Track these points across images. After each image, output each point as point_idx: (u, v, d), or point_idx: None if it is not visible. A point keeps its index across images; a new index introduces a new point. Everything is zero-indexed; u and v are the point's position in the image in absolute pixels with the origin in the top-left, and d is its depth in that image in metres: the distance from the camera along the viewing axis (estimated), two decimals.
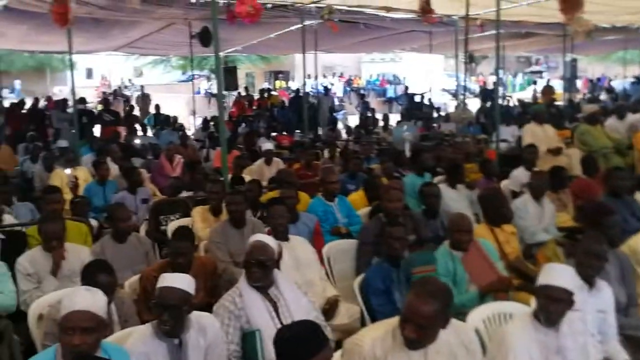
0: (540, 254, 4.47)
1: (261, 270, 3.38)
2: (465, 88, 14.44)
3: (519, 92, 24.48)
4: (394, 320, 2.71)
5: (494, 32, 8.82)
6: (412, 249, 4.45)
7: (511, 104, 17.63)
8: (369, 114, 15.58)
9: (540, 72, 25.43)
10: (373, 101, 20.82)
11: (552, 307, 2.88)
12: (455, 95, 14.50)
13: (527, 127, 7.88)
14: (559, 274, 2.91)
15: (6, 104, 13.66)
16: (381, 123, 14.16)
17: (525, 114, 12.67)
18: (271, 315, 3.34)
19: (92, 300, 2.60)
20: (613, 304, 3.50)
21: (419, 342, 2.61)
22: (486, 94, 16.95)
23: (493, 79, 24.75)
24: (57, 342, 2.64)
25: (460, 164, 6.43)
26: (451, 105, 17.07)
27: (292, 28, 12.12)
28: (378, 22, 11.79)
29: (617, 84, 22.30)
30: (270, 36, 13.35)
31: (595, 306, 3.43)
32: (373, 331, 2.78)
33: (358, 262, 4.55)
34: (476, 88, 19.49)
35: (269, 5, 9.76)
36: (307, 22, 11.20)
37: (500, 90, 11.70)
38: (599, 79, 23.80)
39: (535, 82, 22.41)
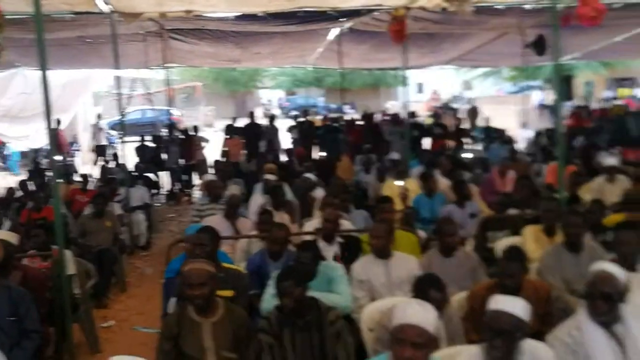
0: None
1: (606, 303, 2.98)
2: None
3: None
4: None
5: None
6: None
7: None
8: None
9: None
10: None
11: None
12: None
13: None
14: None
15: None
16: None
17: None
18: (617, 356, 2.91)
19: (424, 315, 2.56)
20: None
21: None
22: None
23: None
24: (387, 348, 2.68)
25: None
26: None
27: None
28: None
29: None
30: (615, 39, 12.07)
31: None
32: None
33: None
34: None
35: (617, 5, 8.75)
36: None
37: None
38: None
39: None
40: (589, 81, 23.80)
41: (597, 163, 8.31)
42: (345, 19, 9.23)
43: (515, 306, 2.70)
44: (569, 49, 13.13)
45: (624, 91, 21.46)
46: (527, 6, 8.82)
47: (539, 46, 9.82)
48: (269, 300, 3.94)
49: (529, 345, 2.80)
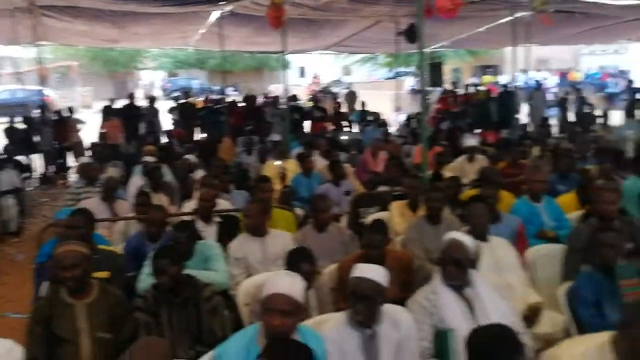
0: None
1: (457, 268, 3.31)
2: None
3: None
4: (601, 337, 2.44)
5: None
6: (629, 258, 4.01)
7: None
8: (587, 110, 14.35)
9: None
10: (592, 96, 19.13)
11: None
12: None
13: None
14: None
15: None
16: (600, 120, 12.98)
17: None
18: (466, 316, 3.24)
19: (292, 284, 2.74)
20: None
21: None
22: None
23: None
24: (260, 320, 2.84)
25: None
26: None
27: (503, 21, 11.61)
28: (599, 10, 10.76)
29: None
30: (479, 30, 12.96)
31: None
32: (575, 346, 2.53)
33: (566, 269, 4.22)
34: None
35: None
36: (518, 14, 10.65)
37: None
38: None
39: None
40: (457, 68, 25.39)
41: (461, 144, 8.96)
42: (225, 2, 9.22)
43: (375, 273, 2.94)
44: (438, 38, 13.91)
45: (488, 78, 23.11)
46: None
47: (410, 34, 10.31)
48: (145, 279, 3.98)
49: (389, 309, 3.07)
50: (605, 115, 12.75)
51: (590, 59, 25.95)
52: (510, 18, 10.82)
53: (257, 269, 4.32)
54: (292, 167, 7.70)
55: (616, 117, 14.90)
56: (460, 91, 17.29)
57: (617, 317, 3.29)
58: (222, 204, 5.68)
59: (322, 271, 4.18)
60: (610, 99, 19.89)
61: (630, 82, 18.90)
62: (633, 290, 3.46)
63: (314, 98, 17.84)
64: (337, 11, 9.88)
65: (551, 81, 23.51)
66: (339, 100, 17.23)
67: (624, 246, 3.90)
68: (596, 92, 21.18)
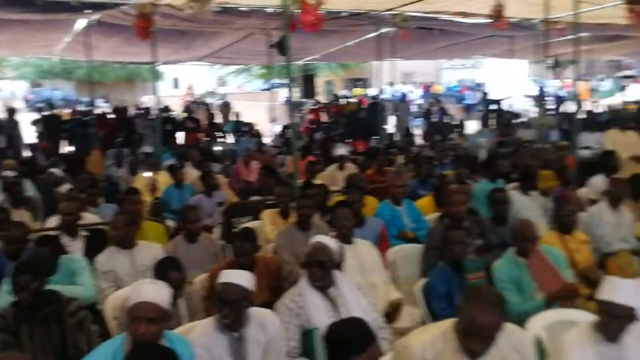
0: (612, 263, 4.32)
1: (321, 270, 3.48)
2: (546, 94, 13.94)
3: (608, 97, 23.42)
4: (445, 324, 2.71)
5: (577, 35, 8.52)
6: (479, 254, 4.42)
7: (599, 110, 16.90)
8: (446, 120, 15.41)
9: (632, 76, 24.22)
10: (452, 107, 20.53)
11: (613, 323, 2.79)
12: (538, 101, 14.05)
13: (608, 134, 7.57)
14: (620, 289, 2.79)
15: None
16: (458, 129, 13.97)
17: (613, 120, 12.15)
18: (330, 315, 3.42)
19: (157, 292, 2.77)
20: None
21: (482, 353, 2.59)
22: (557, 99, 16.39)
23: (580, 84, 23.86)
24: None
25: (534, 170, 6.26)
26: (533, 112, 16.60)
27: (369, 36, 12.18)
28: (455, 27, 11.65)
29: None
30: (348, 44, 13.48)
31: None
32: (423, 334, 2.78)
33: (423, 266, 4.55)
34: (563, 93, 18.84)
35: (344, 14, 9.88)
36: (383, 30, 11.23)
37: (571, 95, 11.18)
38: None
39: (623, 88, 21.36)
40: (329, 80, 26.21)
41: (333, 154, 9.31)
42: (91, 11, 8.93)
43: (240, 278, 3.04)
44: (310, 51, 14.31)
45: (358, 90, 24.09)
46: (269, 10, 9.46)
47: (282, 46, 10.53)
48: (3, 297, 3.80)
49: (256, 312, 3.17)
50: (462, 125, 13.73)
51: (451, 72, 27.86)
52: (375, 33, 11.38)
53: (125, 281, 4.26)
54: (163, 178, 7.61)
55: (473, 127, 16.09)
56: (334, 103, 17.84)
57: None
58: (89, 217, 5.52)
59: (193, 281, 4.22)
60: (468, 110, 21.43)
61: (485, 94, 20.46)
62: (478, 283, 3.83)
63: (188, 109, 17.65)
64: (208, 23, 9.89)
65: (416, 93, 24.95)
66: (212, 111, 17.15)
67: (472, 243, 4.30)
68: (456, 104, 22.78)
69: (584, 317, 3.22)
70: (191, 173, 7.84)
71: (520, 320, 3.34)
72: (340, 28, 11.14)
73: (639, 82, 23.10)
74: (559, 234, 4.48)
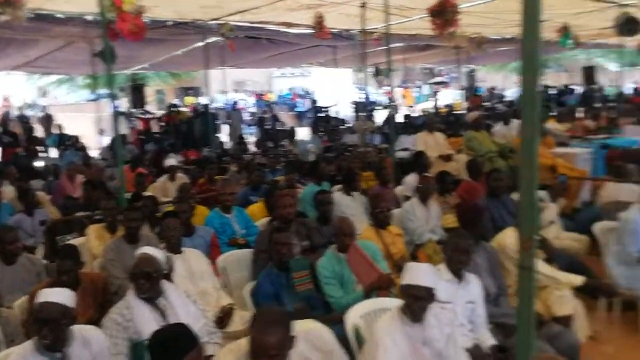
0: (421, 253, 4.79)
1: (148, 281, 3.47)
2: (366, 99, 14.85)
3: (423, 102, 25.54)
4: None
5: (392, 45, 9.22)
6: (305, 254, 4.66)
7: (415, 114, 18.39)
8: (279, 127, 15.84)
9: (443, 82, 26.64)
10: (284, 115, 21.11)
11: (415, 304, 3.12)
12: (360, 107, 14.97)
13: (419, 136, 8.31)
14: (419, 272, 3.15)
15: None
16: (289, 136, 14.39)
17: (426, 123, 13.24)
18: (159, 325, 3.42)
19: None
20: (482, 295, 3.81)
21: None
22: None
23: (399, 91, 25.75)
24: None
25: (355, 172, 6.71)
26: (357, 118, 17.66)
27: (197, 45, 12.15)
28: (282, 37, 12.02)
29: (513, 92, 23.70)
30: (176, 53, 13.32)
31: (465, 298, 3.72)
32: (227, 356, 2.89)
33: (253, 269, 4.69)
34: (385, 100, 20.23)
35: (170, 23, 9.79)
36: (210, 39, 11.28)
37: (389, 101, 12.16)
38: (493, 88, 25.21)
39: (436, 93, 23.46)
40: (160, 90, 25.59)
41: (164, 164, 9.17)
42: None
43: (58, 296, 2.95)
44: (138, 60, 13.91)
45: (190, 99, 23.84)
46: (88, 17, 9.09)
47: (104, 55, 10.16)
48: None
49: (79, 329, 3.10)
50: (293, 132, 14.20)
51: (282, 81, 28.56)
52: (203, 43, 11.40)
53: None
54: None
55: (304, 133, 16.71)
56: (165, 113, 17.51)
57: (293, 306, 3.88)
58: None
59: (12, 305, 3.99)
60: (299, 117, 22.17)
61: (314, 101, 21.33)
62: (302, 281, 4.07)
63: (3, 122, 16.30)
64: (24, 30, 9.27)
65: (249, 102, 25.27)
66: (31, 124, 16.02)
67: (297, 244, 4.53)
68: (288, 111, 23.45)
69: (395, 303, 3.55)
70: (8, 191, 7.32)
71: (344, 312, 3.62)
72: (167, 37, 11.00)
73: (449, 87, 25.45)
74: (375, 229, 4.87)
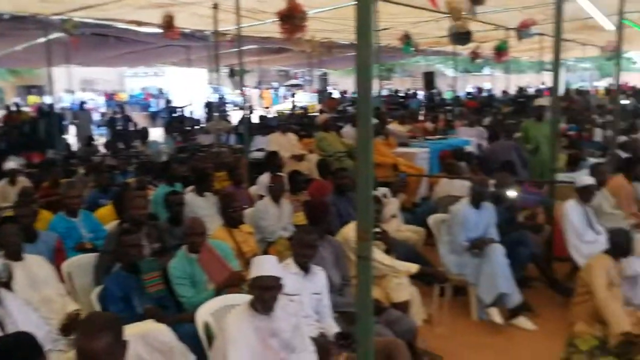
0: (273, 250, 4.97)
1: None
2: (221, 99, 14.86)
3: (280, 104, 25.99)
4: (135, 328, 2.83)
5: (245, 47, 9.34)
6: (158, 256, 4.63)
7: (270, 115, 18.67)
8: (131, 128, 15.34)
9: (298, 85, 27.29)
10: (136, 115, 20.44)
11: (266, 294, 3.25)
12: (215, 108, 14.91)
13: (271, 136, 8.52)
14: (265, 264, 3.31)
15: None
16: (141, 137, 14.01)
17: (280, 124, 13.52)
18: None
19: None
20: (327, 286, 4.05)
21: None
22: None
23: (256, 92, 25.99)
24: None
25: (207, 173, 6.74)
26: (212, 118, 17.61)
27: (39, 41, 11.45)
28: (132, 36, 11.68)
29: None
30: (15, 49, 12.44)
31: (311, 289, 3.94)
32: None
33: (96, 272, 4.56)
34: (241, 101, 20.29)
35: (7, 16, 9.16)
36: (53, 35, 10.68)
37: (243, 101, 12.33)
38: (345, 92, 26.32)
39: (293, 95, 24.00)
40: None
41: (4, 167, 8.57)
42: None
43: None
44: None
45: (33, 98, 22.34)
46: None
47: None
48: None
49: None
50: (145, 132, 13.82)
51: (134, 80, 27.65)
52: (45, 39, 10.76)
53: None
54: None
55: (157, 134, 16.32)
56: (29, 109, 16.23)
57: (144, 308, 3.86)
58: None
59: None
60: (153, 117, 21.60)
61: (169, 101, 20.88)
62: (152, 282, 4.06)
63: None
64: None
65: (99, 102, 24.18)
66: None
67: (147, 245, 4.50)
68: (140, 111, 22.74)
69: (245, 299, 3.66)
70: None
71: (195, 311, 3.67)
72: (5, 31, 10.27)
73: (304, 90, 26.14)
74: (227, 229, 4.96)
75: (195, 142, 11.96)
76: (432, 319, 4.99)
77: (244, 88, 10.62)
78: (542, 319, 5.17)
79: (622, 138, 8.58)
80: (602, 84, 29.72)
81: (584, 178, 5.69)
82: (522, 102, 16.71)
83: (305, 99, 23.27)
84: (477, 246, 5.24)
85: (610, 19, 11.65)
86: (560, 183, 6.03)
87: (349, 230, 4.70)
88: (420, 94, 23.59)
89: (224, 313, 3.63)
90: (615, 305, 4.53)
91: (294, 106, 21.00)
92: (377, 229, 4.88)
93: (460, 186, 6.79)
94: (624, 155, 7.41)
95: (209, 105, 17.90)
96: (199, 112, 20.06)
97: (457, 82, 16.88)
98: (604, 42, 16.40)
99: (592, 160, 7.42)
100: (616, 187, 6.09)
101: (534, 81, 25.45)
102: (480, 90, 28.33)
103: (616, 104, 8.51)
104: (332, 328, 3.90)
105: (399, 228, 6.24)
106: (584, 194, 5.53)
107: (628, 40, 14.74)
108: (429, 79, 19.86)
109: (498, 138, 9.13)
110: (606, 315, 4.50)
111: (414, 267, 4.72)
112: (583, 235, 5.48)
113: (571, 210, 5.50)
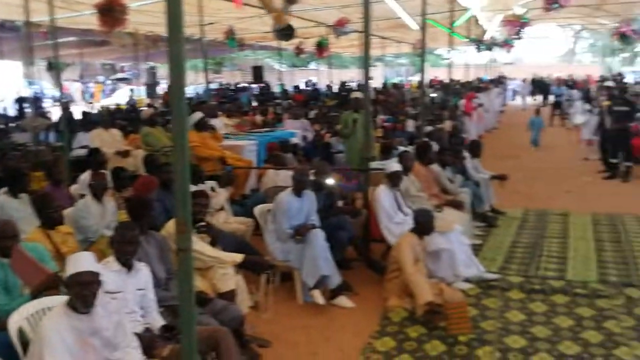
0: (93, 248, 4.84)
1: None
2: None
3: (107, 98, 24.83)
4: None
5: (62, 39, 8.84)
6: None
7: (94, 111, 17.74)
8: None
9: (125, 79, 26.15)
10: None
11: (85, 290, 3.21)
12: (31, 103, 13.84)
13: (93, 133, 8.19)
14: (81, 260, 3.27)
15: None
16: None
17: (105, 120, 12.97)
18: None
19: None
20: (151, 282, 4.06)
21: None
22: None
23: (76, 85, 24.52)
24: None
25: (23, 172, 6.34)
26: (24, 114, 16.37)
27: None
28: None
29: (192, 89, 24.67)
30: None
31: (135, 285, 3.93)
32: None
33: None
34: (60, 95, 18.94)
35: None
36: None
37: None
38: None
39: (120, 89, 23.02)
40: None
41: None
42: None
43: None
44: None
45: None
46: None
47: None
48: None
49: None
50: None
51: None
52: None
53: None
54: None
55: None
56: None
57: None
58: None
59: None
60: None
61: None
62: None
63: None
64: None
65: None
66: None
67: None
68: None
69: (62, 300, 3.55)
70: None
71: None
72: None
73: (132, 84, 25.14)
74: (43, 230, 4.74)
75: (10, 141, 11.07)
76: (258, 305, 5.18)
77: (64, 82, 10.04)
78: (361, 297, 5.59)
79: (429, 128, 9.47)
80: (417, 78, 32.30)
81: (393, 165, 6.25)
82: (344, 95, 17.60)
83: (135, 93, 22.44)
84: (300, 233, 5.52)
85: (415, 19, 12.75)
86: (373, 170, 6.54)
87: (173, 224, 4.72)
88: (254, 88, 23.92)
89: (39, 317, 3.52)
90: (420, 279, 5.08)
91: (119, 101, 20.15)
92: (202, 222, 4.97)
93: (286, 177, 7.07)
94: (433, 144, 8.18)
95: (21, 100, 16.58)
96: (14, 108, 18.47)
97: (285, 76, 17.34)
98: (414, 40, 17.88)
99: (402, 148, 8.09)
100: (417, 172, 6.75)
101: (357, 76, 26.89)
102: (308, 84, 29.31)
103: (423, 97, 9.31)
104: (158, 322, 3.94)
105: (227, 220, 6.36)
106: (393, 179, 6.08)
107: (433, 38, 16.24)
108: (257, 72, 20.20)
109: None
110: (413, 288, 5.03)
111: (238, 257, 4.87)
112: (393, 217, 6.02)
113: (382, 195, 6.03)
